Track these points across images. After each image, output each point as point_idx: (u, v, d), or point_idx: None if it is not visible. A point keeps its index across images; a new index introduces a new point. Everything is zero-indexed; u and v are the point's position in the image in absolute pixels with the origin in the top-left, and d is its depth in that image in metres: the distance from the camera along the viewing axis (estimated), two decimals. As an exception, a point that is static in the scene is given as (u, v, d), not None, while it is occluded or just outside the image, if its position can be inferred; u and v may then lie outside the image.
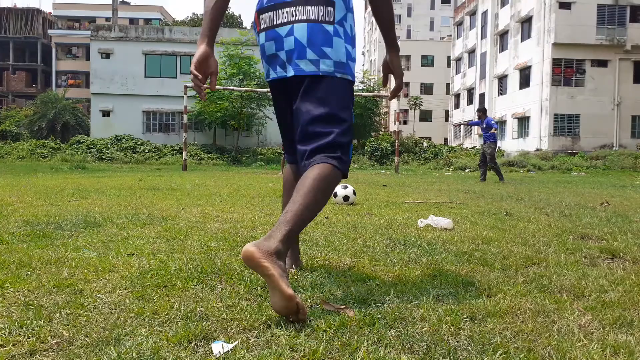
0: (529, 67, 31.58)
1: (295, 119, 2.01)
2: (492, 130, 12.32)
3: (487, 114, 12.72)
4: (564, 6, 29.07)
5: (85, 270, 2.24)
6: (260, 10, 2.03)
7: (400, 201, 6.00)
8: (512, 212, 4.85)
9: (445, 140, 49.56)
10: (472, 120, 12.84)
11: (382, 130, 43.16)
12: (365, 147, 28.08)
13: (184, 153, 17.55)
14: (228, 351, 1.38)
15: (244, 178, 11.81)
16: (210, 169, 20.31)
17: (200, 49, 1.98)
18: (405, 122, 55.86)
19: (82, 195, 5.92)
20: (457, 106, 45.51)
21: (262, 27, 2.04)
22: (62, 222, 3.62)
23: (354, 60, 2.04)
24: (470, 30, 42.24)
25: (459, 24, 45.17)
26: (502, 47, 36.03)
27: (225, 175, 13.41)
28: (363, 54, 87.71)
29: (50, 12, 55.90)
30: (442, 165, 24.95)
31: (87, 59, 45.44)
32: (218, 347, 1.38)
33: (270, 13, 1.99)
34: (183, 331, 1.52)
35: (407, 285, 2.09)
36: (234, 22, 58.38)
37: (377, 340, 1.49)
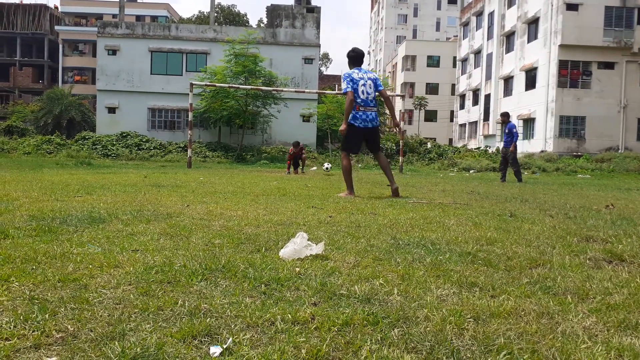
0: (535, 69, 31.47)
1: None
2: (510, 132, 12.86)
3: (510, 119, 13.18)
4: (571, 7, 28.95)
5: (90, 266, 2.25)
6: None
7: (404, 201, 5.99)
8: (517, 213, 4.84)
9: (450, 140, 49.46)
10: (505, 135, 13.23)
11: (387, 130, 43.12)
12: (370, 147, 28.04)
13: (189, 150, 17.57)
14: (226, 349, 1.38)
15: (248, 176, 11.82)
16: (215, 166, 20.35)
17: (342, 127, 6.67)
18: (410, 122, 55.79)
19: (87, 191, 5.95)
20: (462, 107, 45.41)
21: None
22: (68, 217, 3.64)
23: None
24: (476, 30, 42.13)
25: (465, 24, 45.05)
26: (509, 48, 35.91)
27: (230, 173, 13.42)
28: (369, 53, 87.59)
29: (56, 6, 56.02)
30: (446, 166, 24.90)
31: (94, 55, 45.59)
32: (215, 350, 1.38)
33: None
34: (187, 327, 1.52)
35: (411, 284, 2.09)
36: (240, 20, 58.43)
37: (380, 339, 1.49)
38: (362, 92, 6.52)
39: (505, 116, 13.16)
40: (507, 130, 12.71)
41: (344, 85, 6.59)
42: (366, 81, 6.55)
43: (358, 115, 6.51)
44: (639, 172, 22.43)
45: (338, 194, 6.65)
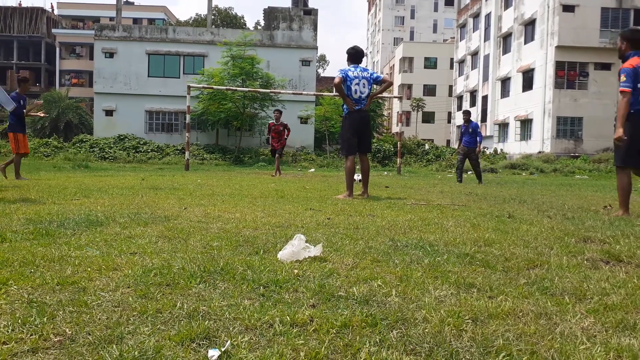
0: (532, 70, 31.54)
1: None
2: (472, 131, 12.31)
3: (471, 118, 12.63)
4: (568, 9, 29.04)
5: (89, 269, 2.25)
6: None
7: (403, 202, 6.00)
8: (515, 214, 4.84)
9: (448, 142, 49.51)
10: (467, 134, 12.56)
11: (385, 131, 43.15)
12: (368, 149, 28.05)
13: (187, 153, 17.55)
14: (224, 352, 1.38)
15: (246, 178, 11.82)
16: (213, 169, 20.33)
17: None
18: (407, 124, 55.84)
19: (84, 194, 5.93)
20: (459, 108, 45.46)
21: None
22: (65, 220, 3.63)
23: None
24: (473, 32, 42.22)
25: (462, 26, 45.14)
26: (505, 50, 35.99)
27: (228, 175, 13.41)
28: (366, 55, 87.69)
29: (52, 4, 55.86)
30: (444, 167, 24.92)
31: (91, 58, 45.52)
32: (214, 353, 1.37)
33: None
34: (185, 330, 1.52)
35: (409, 286, 2.09)
36: (237, 23, 58.44)
37: (379, 341, 1.49)
38: (355, 91, 6.48)
39: (467, 114, 12.67)
40: (470, 130, 12.25)
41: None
42: (360, 80, 6.51)
43: (351, 115, 6.55)
44: (636, 173, 22.44)
45: (336, 195, 6.65)
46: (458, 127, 45.30)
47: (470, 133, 12.30)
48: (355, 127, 6.58)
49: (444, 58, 56.66)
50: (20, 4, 54.58)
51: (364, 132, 6.64)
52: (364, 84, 6.50)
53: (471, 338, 1.52)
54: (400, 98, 25.07)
